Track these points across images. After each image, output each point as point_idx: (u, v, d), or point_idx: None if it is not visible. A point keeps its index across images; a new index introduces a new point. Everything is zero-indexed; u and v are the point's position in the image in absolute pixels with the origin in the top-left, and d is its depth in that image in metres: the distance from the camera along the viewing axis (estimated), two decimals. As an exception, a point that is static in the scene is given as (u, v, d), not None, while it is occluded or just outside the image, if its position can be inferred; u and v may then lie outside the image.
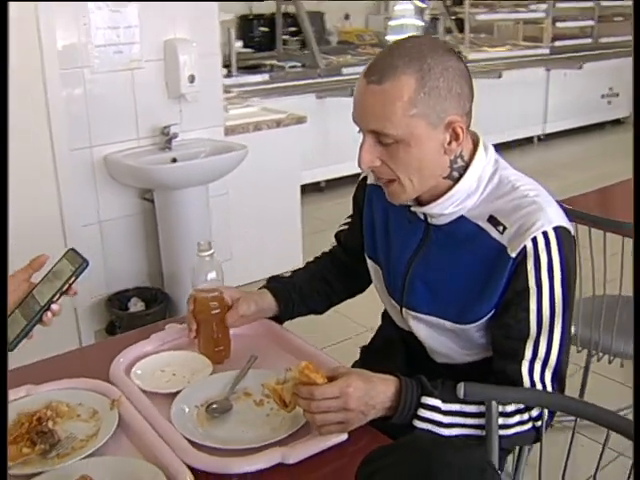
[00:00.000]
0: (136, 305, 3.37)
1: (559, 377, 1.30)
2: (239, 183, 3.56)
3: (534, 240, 1.25)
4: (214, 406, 1.35)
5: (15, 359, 1.55)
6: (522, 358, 1.28)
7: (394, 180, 1.31)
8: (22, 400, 1.40)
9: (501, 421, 1.25)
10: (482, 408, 1.27)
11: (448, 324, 1.39)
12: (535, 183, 1.36)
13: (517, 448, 1.50)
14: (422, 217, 1.40)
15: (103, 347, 1.60)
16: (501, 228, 1.29)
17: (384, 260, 1.51)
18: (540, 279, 1.26)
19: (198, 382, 1.45)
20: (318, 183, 5.53)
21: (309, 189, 5.17)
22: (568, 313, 1.29)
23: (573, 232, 1.32)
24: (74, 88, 3.01)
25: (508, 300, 1.29)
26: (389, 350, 1.57)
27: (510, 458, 1.57)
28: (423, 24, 6.76)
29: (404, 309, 1.47)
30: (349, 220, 1.64)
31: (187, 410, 1.35)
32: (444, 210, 1.34)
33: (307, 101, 5.05)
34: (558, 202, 1.34)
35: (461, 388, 1.22)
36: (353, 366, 1.60)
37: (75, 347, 2.66)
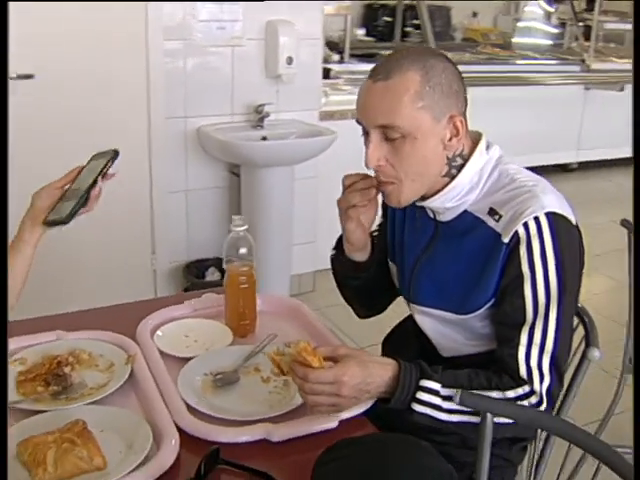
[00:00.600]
0: (213, 275, 3.48)
1: (557, 364, 1.28)
2: (330, 168, 3.58)
3: (525, 225, 1.27)
4: (220, 376, 1.40)
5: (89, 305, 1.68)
6: (518, 344, 1.27)
7: (393, 183, 1.34)
8: (51, 343, 1.50)
9: None
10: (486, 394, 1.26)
11: (450, 315, 1.40)
12: (537, 176, 1.37)
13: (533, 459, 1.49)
14: (431, 215, 1.42)
15: (141, 306, 1.68)
16: (497, 217, 1.31)
17: (399, 259, 1.54)
18: (533, 264, 1.27)
19: (214, 351, 1.50)
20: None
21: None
22: (566, 299, 1.28)
23: (575, 221, 1.32)
24: (175, 60, 3.12)
25: (504, 287, 1.31)
26: (403, 344, 1.57)
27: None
28: (551, 29, 6.56)
29: (411, 304, 1.51)
30: (378, 226, 1.65)
31: (195, 376, 1.40)
32: (445, 204, 1.37)
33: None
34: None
35: (457, 395, 1.21)
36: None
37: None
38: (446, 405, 1.25)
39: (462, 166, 1.35)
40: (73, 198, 1.40)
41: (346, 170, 1.42)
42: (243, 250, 1.56)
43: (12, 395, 1.31)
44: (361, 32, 6.11)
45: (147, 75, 3.05)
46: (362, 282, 1.58)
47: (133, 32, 2.96)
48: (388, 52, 5.13)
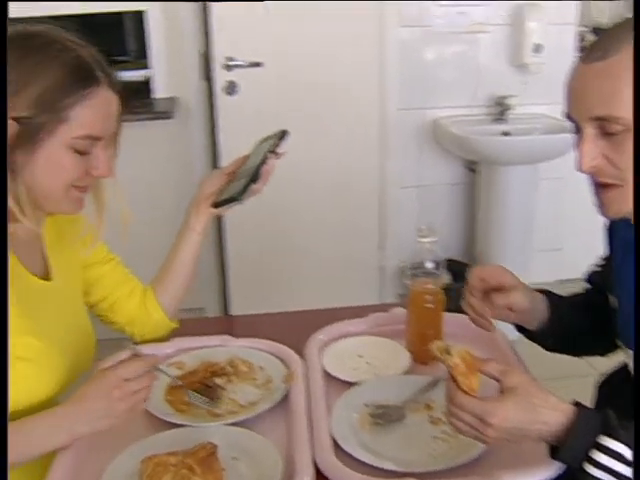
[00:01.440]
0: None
1: None
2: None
3: None
4: (381, 411, 1.20)
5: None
6: None
7: (615, 185, 1.04)
8: (214, 349, 1.40)
9: None
10: None
11: None
12: None
13: None
14: None
15: (323, 315, 1.53)
16: None
17: (619, 292, 1.22)
18: None
19: (384, 378, 1.31)
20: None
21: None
22: None
23: None
24: (411, 47, 2.94)
25: None
26: (618, 393, 1.26)
27: None
28: None
29: (625, 349, 1.19)
30: (603, 259, 1.34)
31: (354, 406, 1.22)
32: None
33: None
34: None
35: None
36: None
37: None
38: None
39: None
40: (243, 178, 1.34)
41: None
42: (430, 265, 1.35)
43: (160, 402, 1.23)
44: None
45: (380, 63, 2.90)
46: (561, 333, 1.30)
47: (366, 18, 2.83)
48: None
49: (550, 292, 1.33)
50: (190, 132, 2.90)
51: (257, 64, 2.73)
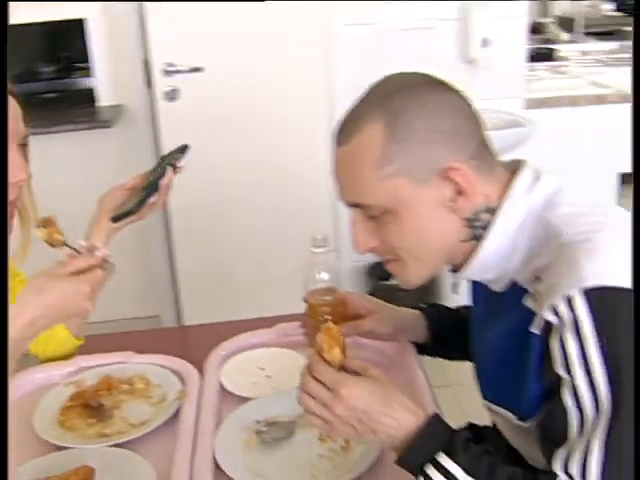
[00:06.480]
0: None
1: None
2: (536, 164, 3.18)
3: (554, 310, 0.88)
4: (268, 429, 1.18)
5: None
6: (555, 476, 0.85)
7: (395, 259, 1.03)
8: (115, 366, 1.39)
9: None
10: None
11: (514, 419, 1.02)
12: (603, 223, 0.94)
13: None
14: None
15: (228, 327, 1.51)
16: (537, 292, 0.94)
17: (471, 339, 1.21)
18: (569, 366, 0.86)
19: (280, 392, 1.29)
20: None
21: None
22: (625, 416, 0.83)
23: None
24: (358, 46, 2.90)
25: (548, 391, 0.92)
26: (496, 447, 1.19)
27: None
28: None
29: (483, 400, 1.13)
30: None
31: (243, 425, 1.20)
32: (485, 275, 1.03)
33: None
34: None
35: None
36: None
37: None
38: None
39: (489, 223, 0.99)
40: (142, 191, 1.35)
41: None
42: (323, 275, 1.32)
43: (53, 423, 1.22)
44: (609, 7, 5.48)
45: (326, 65, 2.85)
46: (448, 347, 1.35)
47: (310, 19, 2.78)
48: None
49: (436, 306, 1.34)
50: (134, 139, 2.87)
51: (197, 69, 2.69)
